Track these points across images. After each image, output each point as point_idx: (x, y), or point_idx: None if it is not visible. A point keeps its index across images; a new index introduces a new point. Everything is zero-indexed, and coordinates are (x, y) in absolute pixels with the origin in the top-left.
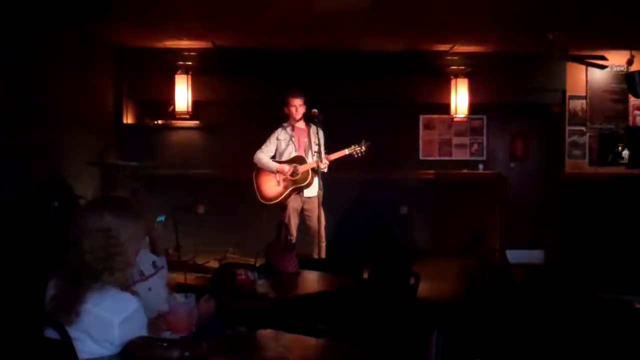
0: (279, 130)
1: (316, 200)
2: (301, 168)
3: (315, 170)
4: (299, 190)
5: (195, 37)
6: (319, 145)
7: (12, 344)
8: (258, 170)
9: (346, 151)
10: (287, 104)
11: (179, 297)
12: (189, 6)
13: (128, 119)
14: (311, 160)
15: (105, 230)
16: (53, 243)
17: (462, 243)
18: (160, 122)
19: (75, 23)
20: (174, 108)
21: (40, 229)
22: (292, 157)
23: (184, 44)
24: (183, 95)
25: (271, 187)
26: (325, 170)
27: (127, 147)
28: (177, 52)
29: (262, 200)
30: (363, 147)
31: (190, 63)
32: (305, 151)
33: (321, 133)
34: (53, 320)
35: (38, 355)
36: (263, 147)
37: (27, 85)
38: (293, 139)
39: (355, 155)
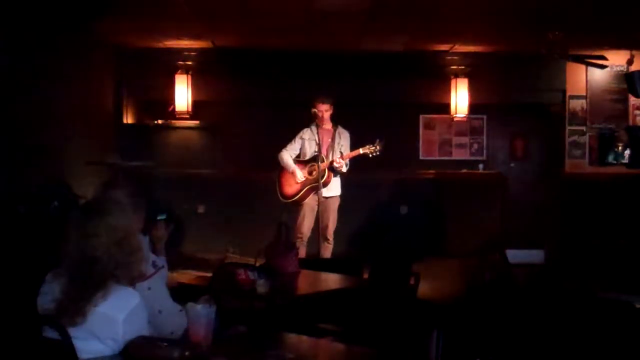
0: (305, 129)
1: (333, 201)
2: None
3: (333, 170)
4: (316, 190)
5: (195, 37)
6: (341, 146)
7: (11, 343)
8: (281, 168)
9: (360, 150)
10: (315, 107)
11: (200, 307)
12: (189, 6)
13: (128, 119)
14: (321, 159)
15: (113, 230)
16: (53, 243)
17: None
18: (160, 122)
19: (75, 23)
20: (174, 108)
21: (39, 228)
22: (311, 157)
23: (184, 44)
24: (183, 95)
25: (290, 185)
26: (344, 170)
27: (127, 147)
28: (177, 52)
29: (281, 198)
30: (378, 147)
31: (190, 63)
32: (327, 151)
33: (346, 134)
34: (54, 321)
35: (37, 355)
36: (288, 145)
37: (27, 85)
38: (317, 138)
39: (371, 155)
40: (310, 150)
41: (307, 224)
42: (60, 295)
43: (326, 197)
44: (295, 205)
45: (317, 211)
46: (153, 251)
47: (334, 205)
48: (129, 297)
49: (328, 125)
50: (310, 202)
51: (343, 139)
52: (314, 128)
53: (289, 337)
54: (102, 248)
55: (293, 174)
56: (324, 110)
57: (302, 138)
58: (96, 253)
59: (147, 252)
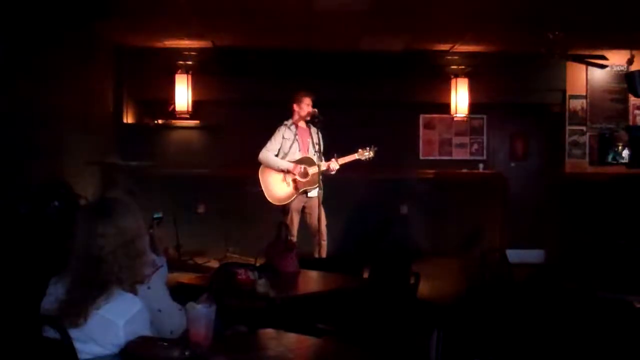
0: (283, 128)
1: (317, 199)
2: (311, 170)
3: (321, 172)
4: (306, 192)
5: (195, 37)
6: (320, 145)
7: (11, 343)
8: (263, 169)
9: (356, 156)
10: (300, 102)
11: (200, 307)
12: (189, 6)
13: (128, 119)
14: (316, 161)
15: (122, 232)
16: (53, 243)
17: (461, 241)
18: (160, 121)
19: (75, 23)
20: (174, 108)
21: (40, 228)
22: (300, 159)
23: (184, 44)
24: (183, 95)
25: (280, 187)
26: (334, 172)
27: (127, 147)
28: (177, 52)
29: (270, 200)
30: (372, 153)
31: (190, 63)
32: (308, 151)
33: (320, 134)
34: (54, 321)
35: (37, 355)
36: (268, 145)
37: (27, 85)
38: (297, 138)
39: (364, 160)
40: (291, 150)
41: (295, 225)
42: (64, 295)
43: (311, 197)
44: (276, 207)
45: (302, 211)
46: (152, 250)
47: (319, 204)
48: (131, 303)
49: (303, 123)
50: (296, 204)
51: (320, 138)
52: (292, 127)
53: (289, 337)
54: (109, 248)
55: (293, 170)
56: (306, 105)
57: (283, 137)
58: (102, 253)
59: (150, 253)
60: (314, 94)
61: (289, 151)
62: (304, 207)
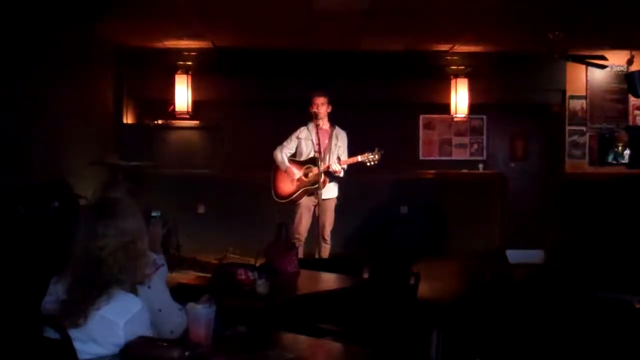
0: (302, 128)
1: (330, 203)
2: (314, 169)
3: (329, 174)
4: (310, 192)
5: (195, 37)
6: (340, 147)
7: (12, 343)
8: (276, 167)
9: (359, 158)
10: (311, 102)
11: (200, 307)
12: (189, 6)
13: (128, 119)
14: (329, 162)
15: (122, 233)
16: (53, 243)
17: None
18: (160, 122)
19: (75, 23)
20: (174, 108)
21: (40, 228)
22: (308, 158)
23: (184, 44)
24: (183, 95)
25: (285, 185)
26: (341, 174)
27: (127, 147)
28: (177, 52)
29: (275, 198)
30: (377, 156)
31: (190, 63)
32: (324, 152)
33: (343, 135)
34: (54, 321)
35: (37, 355)
36: (284, 143)
37: (27, 85)
38: (314, 139)
39: (369, 164)
40: (306, 150)
41: (304, 225)
42: (64, 295)
43: (323, 199)
44: (291, 206)
45: (314, 212)
46: (151, 250)
47: (331, 207)
48: (131, 304)
49: (325, 124)
50: (307, 202)
51: (340, 139)
52: (311, 127)
53: (289, 337)
54: (109, 249)
55: (287, 172)
56: (320, 104)
57: (298, 137)
58: (102, 254)
59: (149, 253)
60: (326, 93)
61: (304, 151)
62: (315, 209)
